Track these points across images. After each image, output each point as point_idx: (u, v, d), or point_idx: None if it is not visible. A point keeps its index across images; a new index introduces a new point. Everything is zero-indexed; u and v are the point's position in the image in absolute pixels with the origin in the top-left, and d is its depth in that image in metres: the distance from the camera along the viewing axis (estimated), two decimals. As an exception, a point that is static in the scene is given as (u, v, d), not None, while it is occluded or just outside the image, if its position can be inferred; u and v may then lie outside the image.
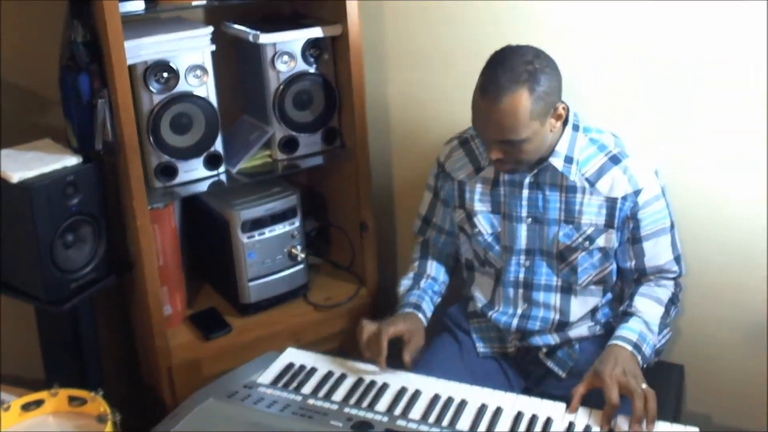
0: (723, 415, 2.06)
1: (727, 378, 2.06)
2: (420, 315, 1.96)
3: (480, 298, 2.00)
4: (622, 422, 1.61)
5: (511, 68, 1.67)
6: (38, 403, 1.80)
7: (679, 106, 1.95)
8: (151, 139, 2.01)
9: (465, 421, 1.64)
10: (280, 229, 2.19)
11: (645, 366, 1.76)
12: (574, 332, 1.91)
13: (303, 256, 2.24)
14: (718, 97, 1.89)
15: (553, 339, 1.92)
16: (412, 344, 1.87)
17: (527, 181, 1.85)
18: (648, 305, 1.83)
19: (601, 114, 1.97)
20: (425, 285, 2.05)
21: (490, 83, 1.69)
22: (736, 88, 1.87)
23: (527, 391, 1.88)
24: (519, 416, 1.64)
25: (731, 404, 2.06)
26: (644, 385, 1.63)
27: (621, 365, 1.67)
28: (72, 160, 1.94)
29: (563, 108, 1.76)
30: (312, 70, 2.18)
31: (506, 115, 1.67)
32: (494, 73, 1.69)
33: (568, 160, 1.81)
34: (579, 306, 1.91)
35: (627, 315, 1.82)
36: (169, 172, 2.06)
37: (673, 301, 1.88)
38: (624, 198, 1.80)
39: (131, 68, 1.93)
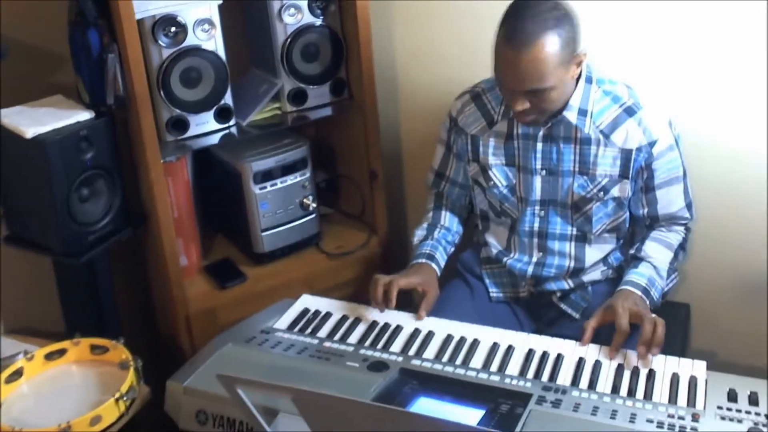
0: (727, 352, 2.10)
1: (731, 316, 2.10)
2: (434, 265, 1.99)
3: (495, 245, 2.02)
4: (630, 356, 1.65)
5: (537, 14, 1.65)
6: (61, 353, 1.85)
7: (692, 56, 1.95)
8: (161, 93, 2.02)
9: (478, 360, 1.68)
10: (291, 179, 2.21)
11: (652, 309, 1.79)
12: (588, 276, 1.95)
13: (315, 205, 2.26)
14: (729, 46, 1.90)
15: (567, 284, 1.95)
16: (428, 297, 1.90)
17: (541, 134, 1.85)
18: (658, 251, 1.85)
19: (613, 65, 1.95)
20: (439, 235, 2.06)
21: (517, 32, 1.66)
22: (746, 38, 1.87)
23: (538, 333, 1.91)
24: (530, 353, 1.68)
25: (735, 341, 2.10)
26: (654, 315, 1.67)
27: (632, 300, 1.71)
28: (85, 115, 1.95)
29: (583, 55, 1.74)
30: (319, 22, 2.18)
31: (536, 63, 1.65)
32: (520, 21, 1.66)
33: (582, 112, 1.81)
34: (593, 253, 1.93)
35: (637, 260, 1.85)
36: (181, 125, 2.07)
37: (683, 246, 1.90)
38: (639, 149, 1.81)
39: (139, 23, 1.93)
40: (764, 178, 1.96)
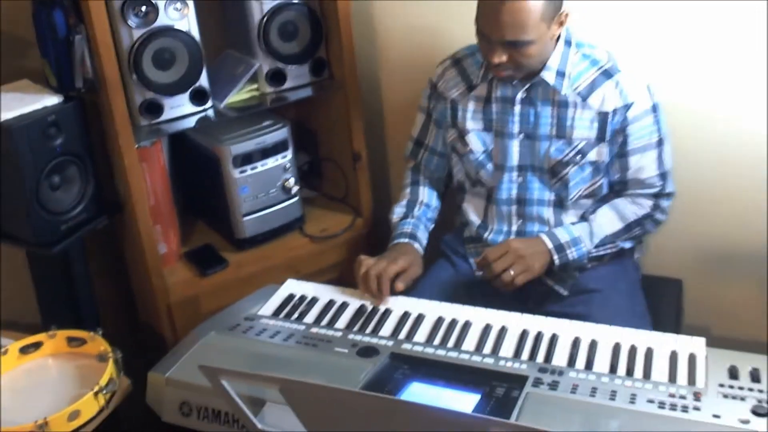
0: (721, 327, 2.08)
1: (724, 291, 2.07)
2: (416, 245, 1.96)
3: (474, 220, 1.99)
4: (626, 333, 1.61)
5: None
6: (36, 346, 1.79)
7: (674, 23, 1.92)
8: (133, 75, 1.95)
9: (470, 342, 1.63)
10: (272, 162, 2.16)
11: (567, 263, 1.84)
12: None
13: (297, 188, 2.21)
14: (714, 13, 1.86)
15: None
16: (408, 273, 1.87)
17: (519, 96, 1.84)
18: (607, 218, 1.87)
19: (595, 31, 1.92)
20: (419, 213, 2.04)
21: None
22: (733, 5, 1.83)
23: (528, 312, 1.87)
24: (524, 334, 1.64)
25: (728, 316, 2.08)
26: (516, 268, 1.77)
27: (520, 251, 1.78)
28: (52, 100, 1.89)
29: (566, 15, 1.74)
30: (296, -1, 2.13)
31: (519, 12, 1.65)
32: None
33: (560, 74, 1.80)
34: (571, 220, 1.91)
35: (582, 219, 1.87)
36: (154, 108, 2.00)
37: (640, 222, 1.88)
38: (614, 112, 1.80)
39: (107, 2, 1.86)
40: (758, 150, 1.92)
